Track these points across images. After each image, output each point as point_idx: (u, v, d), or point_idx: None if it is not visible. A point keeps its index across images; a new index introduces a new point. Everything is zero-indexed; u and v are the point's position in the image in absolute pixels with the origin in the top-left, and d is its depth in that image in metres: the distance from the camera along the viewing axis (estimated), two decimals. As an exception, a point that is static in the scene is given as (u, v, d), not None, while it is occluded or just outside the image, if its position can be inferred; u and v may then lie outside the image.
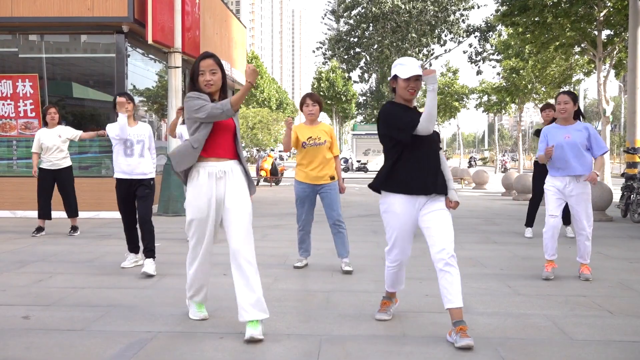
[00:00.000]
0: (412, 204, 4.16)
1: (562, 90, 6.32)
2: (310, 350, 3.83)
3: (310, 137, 6.20)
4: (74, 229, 9.08)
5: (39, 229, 8.98)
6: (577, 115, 6.18)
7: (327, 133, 6.32)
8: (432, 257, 4.12)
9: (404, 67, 4.10)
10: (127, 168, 6.34)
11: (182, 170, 4.18)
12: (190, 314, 4.48)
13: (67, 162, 8.92)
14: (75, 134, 8.96)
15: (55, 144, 8.71)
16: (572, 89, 33.36)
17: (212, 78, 4.16)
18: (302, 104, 6.37)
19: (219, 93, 4.29)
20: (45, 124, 8.95)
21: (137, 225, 6.46)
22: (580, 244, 6.09)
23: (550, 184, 6.13)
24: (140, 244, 6.48)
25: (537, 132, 7.85)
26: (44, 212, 8.96)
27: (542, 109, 8.93)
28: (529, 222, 9.13)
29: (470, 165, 40.73)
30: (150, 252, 6.21)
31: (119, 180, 6.40)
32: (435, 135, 4.24)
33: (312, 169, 6.23)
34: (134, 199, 6.43)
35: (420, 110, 4.26)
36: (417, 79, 4.11)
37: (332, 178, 6.32)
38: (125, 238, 6.59)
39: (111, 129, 6.33)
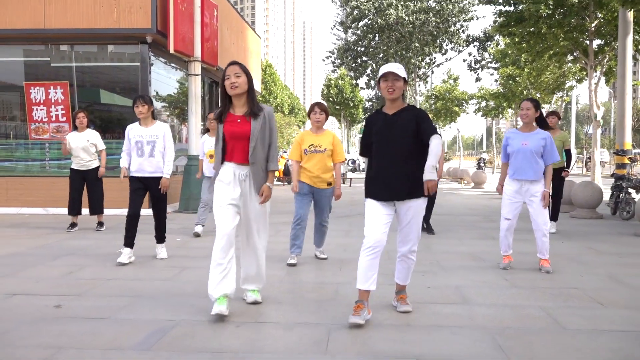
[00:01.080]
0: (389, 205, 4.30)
1: (526, 97, 6.40)
2: (320, 338, 3.83)
3: (312, 145, 6.30)
4: (100, 224, 9.12)
5: (73, 225, 9.04)
6: (541, 122, 6.24)
7: (330, 141, 6.36)
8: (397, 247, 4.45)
9: (381, 71, 4.18)
10: (137, 166, 6.37)
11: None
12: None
13: (94, 164, 8.96)
14: (101, 147, 9.03)
15: (81, 145, 8.76)
16: (565, 95, 33.23)
17: (237, 80, 4.24)
18: (310, 111, 6.42)
19: (245, 96, 4.34)
20: (75, 128, 9.01)
21: (154, 221, 6.66)
22: (538, 240, 6.16)
23: (508, 187, 6.25)
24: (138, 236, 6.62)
25: None
26: (73, 209, 9.02)
27: (546, 116, 8.87)
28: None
29: (479, 167, 40.32)
30: (161, 239, 6.71)
31: (131, 178, 6.46)
32: (404, 141, 4.17)
33: (311, 173, 6.32)
34: (143, 195, 6.49)
35: (409, 107, 4.29)
36: (394, 77, 4.11)
37: (329, 184, 6.40)
38: (125, 231, 6.46)
39: (130, 131, 6.45)
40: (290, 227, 6.56)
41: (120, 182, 9.28)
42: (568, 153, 9.07)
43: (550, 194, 8.59)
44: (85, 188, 9.06)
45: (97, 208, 9.08)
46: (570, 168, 10.52)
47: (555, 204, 9.07)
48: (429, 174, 4.01)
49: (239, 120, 4.31)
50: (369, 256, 4.15)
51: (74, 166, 8.89)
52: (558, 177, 8.79)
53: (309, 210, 6.50)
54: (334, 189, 6.44)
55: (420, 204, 4.27)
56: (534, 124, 6.21)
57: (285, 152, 51.97)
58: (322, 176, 6.33)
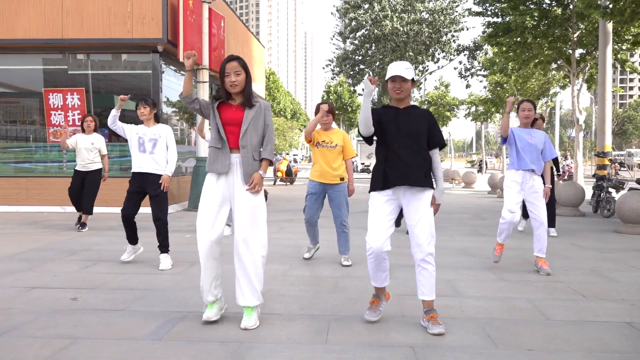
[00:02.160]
0: (396, 196, 3.90)
1: (525, 98, 6.29)
2: (321, 328, 3.82)
3: (324, 141, 6.03)
4: (83, 225, 8.81)
5: (81, 223, 8.87)
6: (532, 123, 6.31)
7: (341, 138, 6.09)
8: (412, 251, 3.89)
9: (389, 71, 3.90)
10: (139, 163, 6.04)
11: None
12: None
13: (94, 166, 8.81)
14: (104, 152, 8.93)
15: (85, 147, 8.71)
16: (549, 101, 33.23)
17: (237, 79, 3.94)
18: (317, 111, 6.01)
19: (242, 94, 4.04)
20: (83, 130, 8.93)
21: (153, 222, 6.15)
22: (541, 237, 5.84)
23: (512, 179, 5.89)
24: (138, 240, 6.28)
25: None
26: (75, 206, 8.95)
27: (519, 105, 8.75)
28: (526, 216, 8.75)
29: (480, 170, 40.07)
30: (164, 248, 6.04)
31: (133, 174, 6.09)
32: (418, 132, 3.89)
33: (323, 169, 6.02)
34: (138, 200, 6.11)
35: (416, 106, 4.11)
36: (402, 80, 3.84)
37: (342, 179, 6.08)
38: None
39: (134, 127, 6.17)
40: (295, 225, 6.52)
41: (123, 183, 9.23)
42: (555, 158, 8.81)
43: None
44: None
45: (86, 208, 8.85)
46: (560, 172, 10.47)
47: (551, 209, 8.52)
48: (439, 194, 3.92)
49: (234, 109, 4.03)
50: (374, 261, 3.88)
51: (77, 167, 8.83)
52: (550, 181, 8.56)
53: (318, 211, 6.21)
54: (347, 183, 6.15)
55: (429, 196, 3.86)
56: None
57: (287, 154, 52.01)
58: (334, 172, 6.01)
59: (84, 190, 8.81)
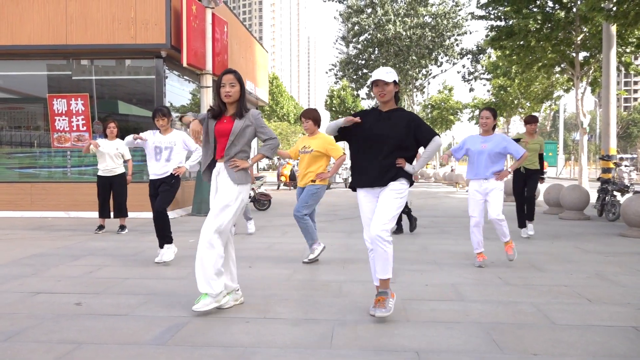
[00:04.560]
0: (373, 193, 4.28)
1: (485, 107, 6.68)
2: (325, 333, 3.82)
3: (304, 147, 6.48)
4: (122, 227, 9.10)
5: (100, 227, 9.08)
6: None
7: (319, 144, 6.41)
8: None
9: (372, 77, 4.21)
10: (154, 170, 6.41)
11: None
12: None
13: (119, 170, 9.00)
14: (128, 156, 9.11)
15: (110, 153, 8.80)
16: (553, 104, 33.19)
17: (231, 90, 4.26)
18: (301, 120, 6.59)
19: (236, 104, 4.36)
20: (105, 136, 9.01)
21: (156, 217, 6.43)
22: (497, 226, 6.35)
23: (471, 188, 6.43)
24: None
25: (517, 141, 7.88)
26: (103, 212, 9.05)
27: (526, 122, 8.87)
28: (521, 224, 8.85)
29: None
30: (165, 239, 6.35)
31: (150, 181, 6.48)
32: (394, 136, 4.19)
33: (301, 173, 6.50)
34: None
35: (400, 109, 4.34)
36: (384, 83, 4.15)
37: (312, 181, 6.42)
38: (155, 231, 6.44)
39: (150, 136, 6.47)
40: (298, 229, 6.57)
41: (139, 188, 9.31)
42: (541, 157, 8.90)
43: (527, 194, 8.61)
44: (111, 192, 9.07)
45: (121, 211, 9.07)
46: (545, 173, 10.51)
47: (531, 205, 8.83)
48: (411, 169, 4.25)
49: (225, 121, 4.37)
50: (372, 252, 4.24)
51: (100, 173, 8.93)
52: (533, 178, 8.69)
53: (312, 211, 6.64)
54: (317, 187, 6.39)
55: (395, 187, 4.17)
56: (491, 130, 6.46)
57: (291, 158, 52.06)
58: (306, 174, 6.43)
59: (113, 195, 9.04)
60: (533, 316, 4.24)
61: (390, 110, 4.30)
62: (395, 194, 4.16)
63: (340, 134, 4.39)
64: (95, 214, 11.26)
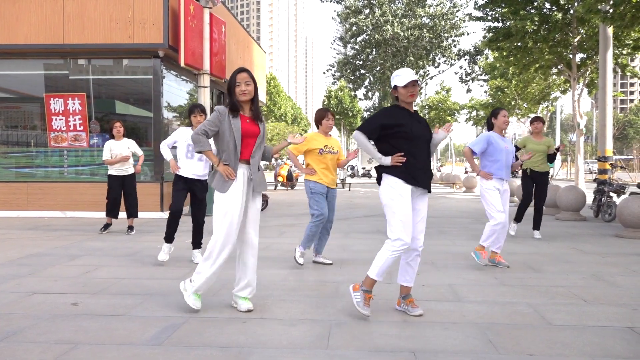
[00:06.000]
0: (415, 194, 4.30)
1: (500, 108, 6.57)
2: (322, 333, 3.81)
3: (327, 146, 6.18)
4: (131, 228, 9.04)
5: (107, 226, 9.04)
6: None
7: (338, 145, 6.38)
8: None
9: (400, 77, 4.19)
10: (185, 168, 6.31)
11: None
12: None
13: (131, 169, 8.98)
14: (140, 153, 9.10)
15: (121, 153, 8.77)
16: (550, 105, 33.24)
17: (247, 88, 4.24)
18: (322, 117, 6.26)
19: (250, 104, 4.34)
20: (112, 137, 8.94)
21: (192, 222, 6.55)
22: (501, 233, 6.17)
23: (492, 185, 6.21)
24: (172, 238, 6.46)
25: (517, 149, 7.93)
26: (111, 211, 9.00)
27: (532, 122, 8.76)
28: (518, 218, 8.69)
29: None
30: (198, 244, 6.55)
31: (178, 176, 6.35)
32: (427, 137, 4.27)
33: (327, 174, 6.19)
34: (185, 195, 6.38)
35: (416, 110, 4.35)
36: (413, 84, 4.18)
37: (336, 184, 6.41)
38: (166, 227, 6.39)
39: (182, 134, 6.38)
40: (296, 229, 6.52)
41: (139, 188, 9.27)
42: (554, 156, 8.76)
43: (536, 206, 8.55)
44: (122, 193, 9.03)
45: (133, 212, 9.03)
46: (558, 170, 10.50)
47: (538, 215, 8.69)
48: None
49: (248, 121, 4.31)
50: (398, 256, 4.12)
51: (112, 172, 8.87)
52: (543, 181, 8.53)
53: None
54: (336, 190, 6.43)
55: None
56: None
57: (288, 159, 52.07)
58: (334, 176, 6.33)
59: (124, 195, 8.99)
60: (529, 317, 4.25)
61: (415, 113, 4.35)
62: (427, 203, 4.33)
63: (389, 127, 4.18)
64: (92, 214, 11.28)
